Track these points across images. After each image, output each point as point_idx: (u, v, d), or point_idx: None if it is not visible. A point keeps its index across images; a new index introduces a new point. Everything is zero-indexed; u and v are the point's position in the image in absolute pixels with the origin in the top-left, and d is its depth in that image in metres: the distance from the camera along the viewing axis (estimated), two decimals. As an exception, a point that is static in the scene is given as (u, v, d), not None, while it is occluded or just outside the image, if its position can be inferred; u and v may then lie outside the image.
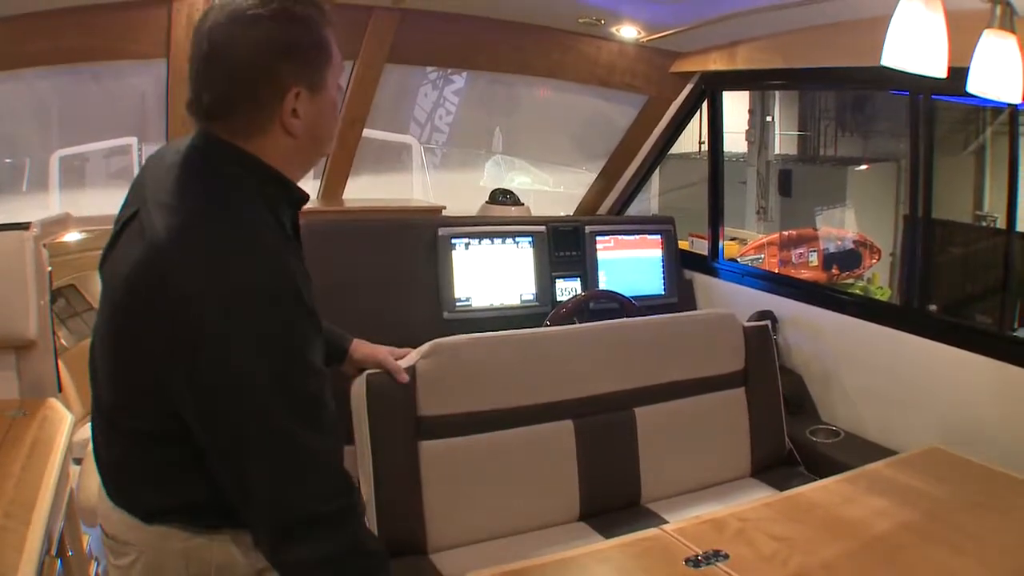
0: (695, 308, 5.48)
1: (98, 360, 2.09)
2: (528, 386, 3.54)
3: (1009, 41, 2.82)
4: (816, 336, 4.62)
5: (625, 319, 4.24)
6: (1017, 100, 2.91)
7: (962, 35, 2.83)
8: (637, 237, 5.37)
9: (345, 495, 1.97)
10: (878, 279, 11.15)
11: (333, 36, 2.04)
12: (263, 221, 1.96)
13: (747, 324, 4.18)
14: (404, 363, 3.26)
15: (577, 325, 4.21)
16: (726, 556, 2.33)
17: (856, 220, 13.45)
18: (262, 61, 1.91)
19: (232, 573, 2.12)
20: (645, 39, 4.85)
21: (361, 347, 3.13)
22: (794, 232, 11.32)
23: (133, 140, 5.10)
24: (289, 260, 1.94)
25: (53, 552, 2.70)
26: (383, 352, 3.19)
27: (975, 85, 2.87)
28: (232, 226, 1.92)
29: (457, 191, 6.33)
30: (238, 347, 1.82)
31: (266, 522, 1.92)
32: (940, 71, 2.78)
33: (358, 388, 3.21)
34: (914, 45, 2.76)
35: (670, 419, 3.76)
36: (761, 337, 4.16)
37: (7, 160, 5.09)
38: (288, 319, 1.88)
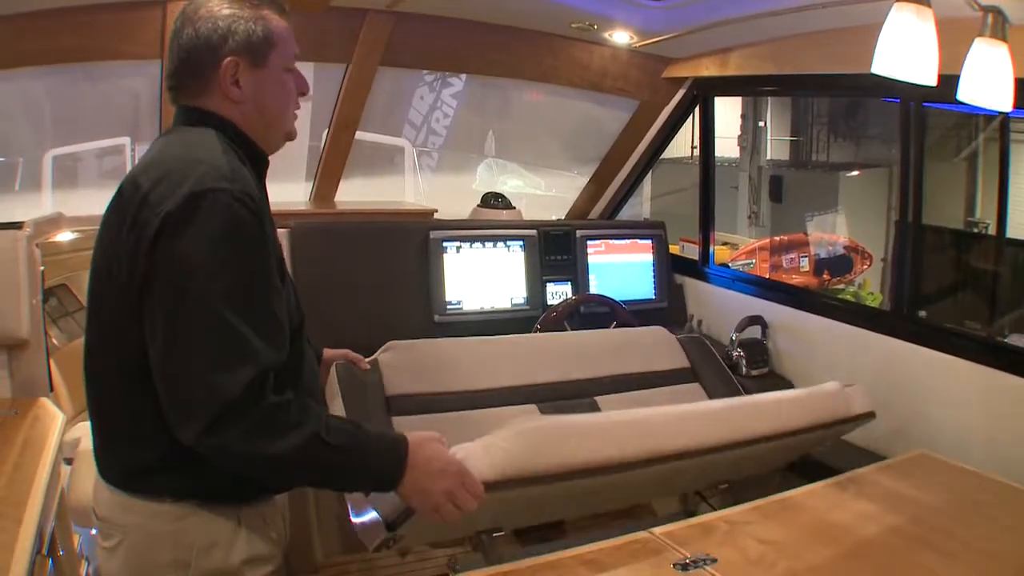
0: (685, 312, 5.50)
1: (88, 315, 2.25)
2: (491, 373, 3.72)
3: (1000, 49, 2.83)
4: (806, 341, 4.63)
5: (570, 333, 4.44)
6: (1008, 108, 2.93)
7: (953, 43, 2.84)
8: (628, 241, 5.39)
9: (277, 395, 2.02)
10: (869, 285, 11.15)
11: (287, 30, 2.37)
12: (224, 148, 2.19)
13: (680, 336, 4.41)
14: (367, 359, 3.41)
15: (527, 336, 4.33)
16: (714, 560, 2.34)
17: (847, 226, 13.47)
18: (207, 32, 2.22)
19: (214, 557, 2.21)
20: (638, 44, 4.87)
21: (327, 352, 3.22)
22: (785, 237, 11.30)
23: (126, 140, 5.09)
24: (255, 194, 2.12)
25: (44, 551, 2.70)
26: (345, 350, 3.30)
27: (966, 93, 2.89)
28: (193, 144, 2.19)
29: (450, 194, 6.33)
30: (193, 231, 1.99)
31: (196, 406, 1.96)
32: (930, 79, 2.79)
33: (330, 379, 3.30)
34: (905, 53, 2.77)
35: (630, 407, 3.77)
36: (699, 345, 4.37)
37: (0, 159, 5.09)
38: (242, 217, 2.04)
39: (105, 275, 2.12)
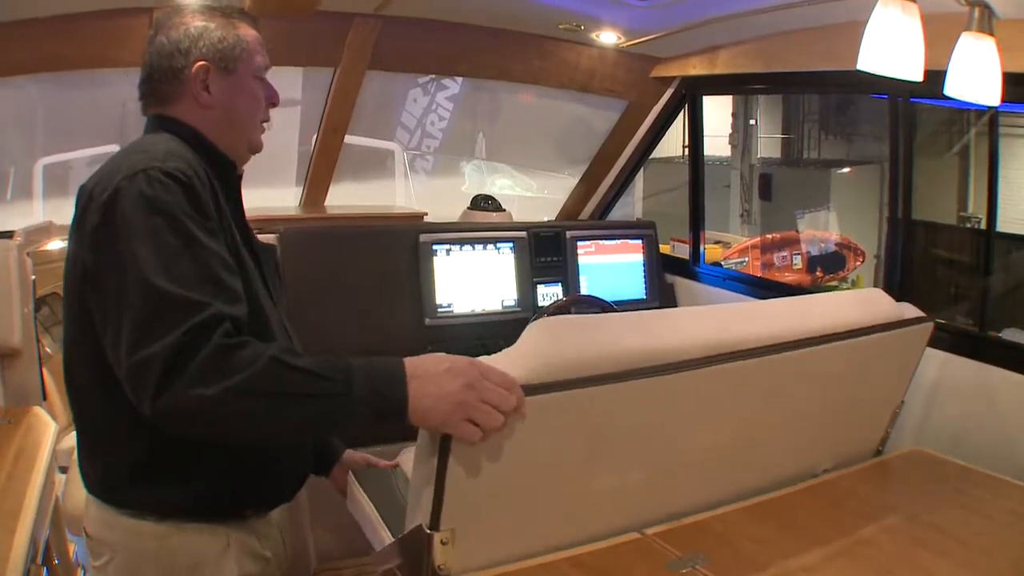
0: (676, 313, 5.50)
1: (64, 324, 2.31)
2: None
3: (987, 43, 2.83)
4: (798, 339, 4.63)
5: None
6: (995, 103, 2.92)
7: (940, 38, 2.84)
8: (618, 242, 5.39)
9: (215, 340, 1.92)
10: (862, 281, 11.19)
11: (258, 40, 2.44)
12: (171, 142, 2.24)
13: None
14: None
15: None
16: (707, 560, 2.34)
17: (839, 222, 13.49)
18: (178, 38, 2.31)
19: (201, 573, 2.21)
20: (625, 44, 4.87)
21: (349, 454, 3.14)
22: (777, 235, 11.34)
23: (116, 148, 5.09)
24: (196, 164, 2.18)
25: (39, 560, 2.70)
26: (364, 455, 3.17)
27: (953, 88, 2.88)
28: (139, 143, 2.27)
29: (441, 197, 6.33)
30: (122, 210, 2.02)
31: (144, 370, 1.89)
32: (916, 75, 2.79)
33: (350, 489, 3.24)
34: (890, 49, 2.77)
35: None
36: None
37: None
38: (167, 185, 2.05)
39: (73, 282, 2.16)
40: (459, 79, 6.45)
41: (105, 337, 2.01)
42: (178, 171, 2.06)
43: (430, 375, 1.95)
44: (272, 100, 2.47)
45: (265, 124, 2.49)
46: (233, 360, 1.87)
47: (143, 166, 2.04)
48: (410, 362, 1.97)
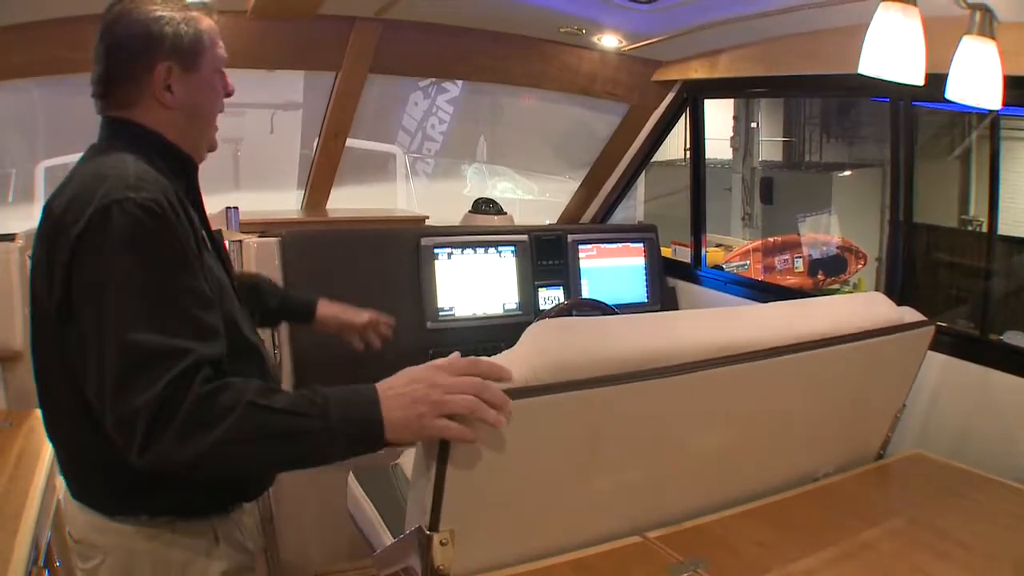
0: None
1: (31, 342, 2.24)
2: None
3: (988, 47, 2.83)
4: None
5: None
6: (997, 106, 2.92)
7: (941, 42, 2.84)
8: (620, 245, 5.38)
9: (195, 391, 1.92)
10: (864, 284, 11.18)
11: (215, 30, 2.34)
12: (136, 159, 2.15)
13: None
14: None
15: None
16: (708, 563, 2.34)
17: (841, 225, 13.47)
18: (137, 35, 2.20)
19: (193, 572, 2.22)
20: (626, 48, 4.87)
21: (324, 307, 3.24)
22: (779, 238, 11.33)
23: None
24: (168, 188, 2.11)
25: (40, 563, 2.71)
26: (347, 313, 3.30)
27: (954, 92, 2.88)
28: (103, 160, 2.15)
29: (442, 200, 6.34)
30: (102, 250, 1.96)
31: (129, 424, 1.89)
32: (918, 78, 2.79)
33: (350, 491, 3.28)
34: (891, 53, 2.77)
35: None
36: None
37: (-8, 170, 5.11)
38: (145, 225, 1.98)
39: (42, 303, 2.11)
40: (459, 82, 6.46)
41: (86, 382, 1.99)
42: (152, 202, 2.01)
43: (396, 390, 1.99)
44: (228, 91, 2.42)
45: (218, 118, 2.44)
46: (214, 409, 1.89)
47: (117, 196, 1.98)
48: (379, 385, 2.01)
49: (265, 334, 4.27)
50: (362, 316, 3.33)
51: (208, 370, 1.94)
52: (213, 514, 2.28)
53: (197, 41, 2.26)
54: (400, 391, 1.98)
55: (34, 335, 2.19)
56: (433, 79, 6.47)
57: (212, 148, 2.42)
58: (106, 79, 2.24)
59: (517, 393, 2.07)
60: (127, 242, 1.96)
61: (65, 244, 1.98)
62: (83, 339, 1.97)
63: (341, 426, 1.95)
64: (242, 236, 4.28)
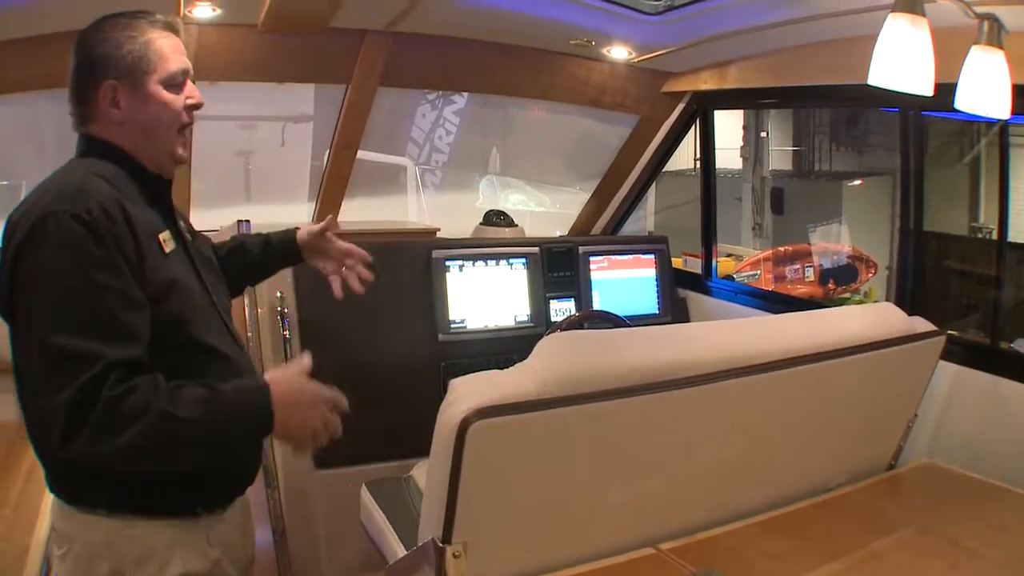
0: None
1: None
2: None
3: (997, 57, 2.83)
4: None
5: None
6: (1006, 115, 2.92)
7: (950, 51, 2.84)
8: (630, 257, 5.39)
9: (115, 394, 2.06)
10: (875, 293, 11.16)
11: (172, 47, 2.43)
12: (89, 173, 2.30)
13: None
14: None
15: None
16: (721, 574, 2.33)
17: (851, 234, 13.46)
18: (88, 57, 2.37)
19: (147, 570, 2.28)
20: (636, 59, 4.87)
21: (304, 233, 3.30)
22: (789, 248, 11.32)
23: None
24: (108, 198, 2.22)
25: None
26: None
27: (963, 101, 2.88)
28: (57, 175, 2.36)
29: (454, 212, 6.35)
30: (31, 258, 2.13)
31: (48, 425, 2.06)
32: (927, 89, 2.78)
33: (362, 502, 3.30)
34: (900, 63, 2.76)
35: None
36: None
37: (3, 183, 5.12)
38: (75, 233, 2.13)
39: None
40: (464, 94, 6.47)
41: (20, 379, 2.21)
42: (84, 212, 2.14)
43: (288, 390, 2.30)
44: (195, 103, 2.49)
45: (187, 130, 2.51)
46: (123, 413, 2.05)
47: (54, 208, 2.14)
48: (275, 389, 2.28)
49: (271, 331, 4.30)
50: (339, 243, 3.40)
51: (120, 372, 2.08)
52: (176, 516, 2.34)
53: (141, 59, 2.36)
54: (288, 390, 2.31)
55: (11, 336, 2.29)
56: (441, 92, 6.48)
57: (179, 160, 2.50)
58: (72, 98, 2.42)
59: (529, 406, 2.09)
60: (56, 250, 2.11)
61: (10, 252, 2.17)
62: (18, 338, 2.18)
63: (237, 427, 2.28)
64: (254, 249, 4.29)
